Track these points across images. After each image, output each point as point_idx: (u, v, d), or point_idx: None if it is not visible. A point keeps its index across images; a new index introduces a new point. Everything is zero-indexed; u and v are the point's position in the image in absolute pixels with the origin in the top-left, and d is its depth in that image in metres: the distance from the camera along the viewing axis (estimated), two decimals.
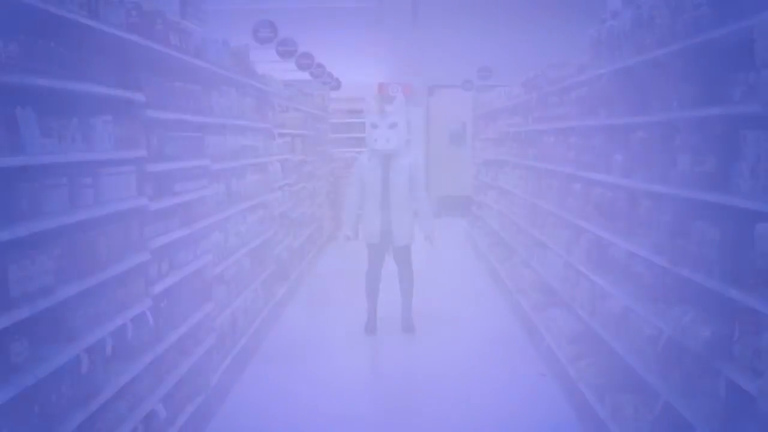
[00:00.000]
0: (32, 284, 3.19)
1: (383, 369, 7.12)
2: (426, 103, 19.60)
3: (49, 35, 3.49)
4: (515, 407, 5.97)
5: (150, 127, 4.66)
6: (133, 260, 4.25)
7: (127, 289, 4.18)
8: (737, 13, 3.40)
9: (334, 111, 18.18)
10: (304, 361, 7.12)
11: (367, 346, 7.65)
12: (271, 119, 8.79)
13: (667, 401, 4.08)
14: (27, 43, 3.25)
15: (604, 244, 5.53)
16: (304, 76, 15.06)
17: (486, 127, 13.57)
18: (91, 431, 3.74)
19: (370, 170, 7.90)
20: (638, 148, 4.63)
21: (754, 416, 3.29)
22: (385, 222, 7.85)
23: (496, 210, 11.43)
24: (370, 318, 8.09)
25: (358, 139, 18.52)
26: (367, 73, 19.05)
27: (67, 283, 3.53)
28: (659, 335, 4.22)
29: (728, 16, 3.49)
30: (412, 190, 7.90)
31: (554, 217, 7.14)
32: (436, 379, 6.65)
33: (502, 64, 17.85)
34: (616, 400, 4.86)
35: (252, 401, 6.11)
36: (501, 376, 6.66)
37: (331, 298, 10.17)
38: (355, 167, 8.17)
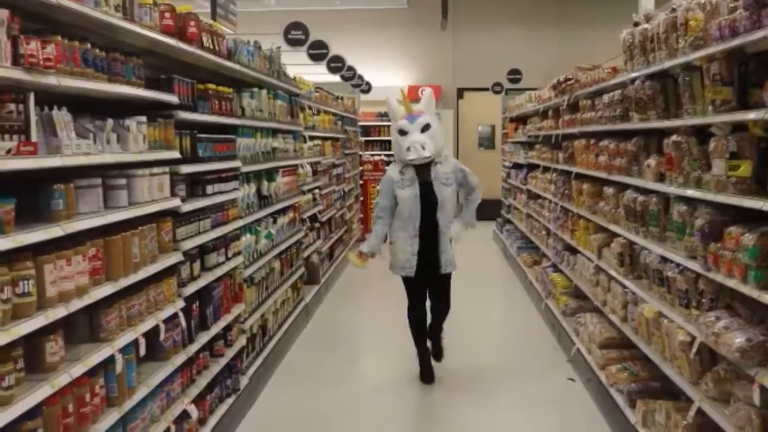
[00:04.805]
0: (67, 285, 3.23)
1: (410, 366, 7.06)
2: (455, 105, 19.59)
3: (85, 36, 3.52)
4: (544, 411, 5.94)
5: (183, 129, 4.71)
6: (165, 261, 4.28)
7: (160, 290, 4.21)
8: None
9: (365, 114, 18.24)
10: (333, 364, 7.14)
11: (396, 347, 7.59)
12: (301, 122, 8.82)
13: (700, 408, 4.04)
14: (63, 44, 3.28)
15: (636, 249, 5.49)
16: (336, 78, 15.12)
17: (515, 130, 13.53)
18: (124, 431, 3.79)
19: (403, 187, 6.30)
20: (672, 153, 4.59)
21: None
22: (426, 248, 6.31)
23: (525, 213, 11.40)
24: (424, 365, 6.62)
25: (388, 142, 18.60)
26: (397, 76, 19.10)
27: (102, 283, 3.57)
28: (692, 341, 4.19)
29: (764, 18, 3.45)
30: (464, 190, 6.59)
31: (585, 221, 7.09)
32: (461, 379, 6.63)
33: (532, 67, 17.82)
34: (647, 406, 4.83)
35: (282, 403, 6.14)
36: (529, 380, 6.64)
37: (359, 301, 10.19)
38: (382, 183, 6.52)
